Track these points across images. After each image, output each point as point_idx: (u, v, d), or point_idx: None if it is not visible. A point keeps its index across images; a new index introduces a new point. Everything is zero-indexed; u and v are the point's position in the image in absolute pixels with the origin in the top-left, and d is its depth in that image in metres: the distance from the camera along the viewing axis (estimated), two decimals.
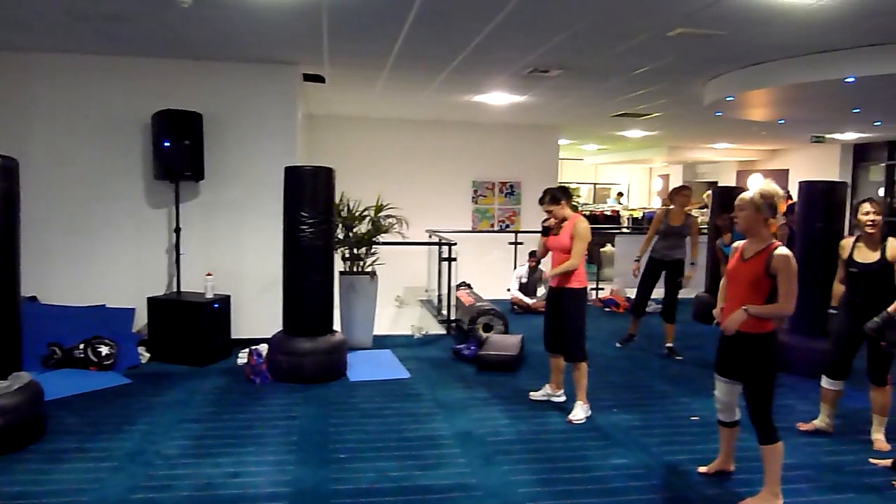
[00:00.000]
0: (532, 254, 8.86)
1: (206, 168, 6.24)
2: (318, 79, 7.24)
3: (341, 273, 6.77)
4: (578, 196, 18.72)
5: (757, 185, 3.50)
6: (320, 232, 5.64)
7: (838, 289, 4.46)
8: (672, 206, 6.67)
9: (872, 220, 4.25)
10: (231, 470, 3.79)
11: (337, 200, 6.56)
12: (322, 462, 3.93)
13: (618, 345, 6.99)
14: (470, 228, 10.93)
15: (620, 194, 20.84)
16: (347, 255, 6.81)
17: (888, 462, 3.98)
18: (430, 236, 8.91)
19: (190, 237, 6.38)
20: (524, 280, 9.11)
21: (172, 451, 4.06)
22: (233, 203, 6.49)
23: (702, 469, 3.89)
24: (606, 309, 9.29)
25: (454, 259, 7.65)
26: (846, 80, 5.57)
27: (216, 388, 5.34)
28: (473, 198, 11.23)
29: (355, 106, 9.47)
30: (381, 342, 6.91)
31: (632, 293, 9.26)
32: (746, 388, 3.50)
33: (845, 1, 4.20)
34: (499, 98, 8.27)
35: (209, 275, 6.12)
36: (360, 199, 6.99)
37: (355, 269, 6.81)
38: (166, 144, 5.95)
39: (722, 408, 3.74)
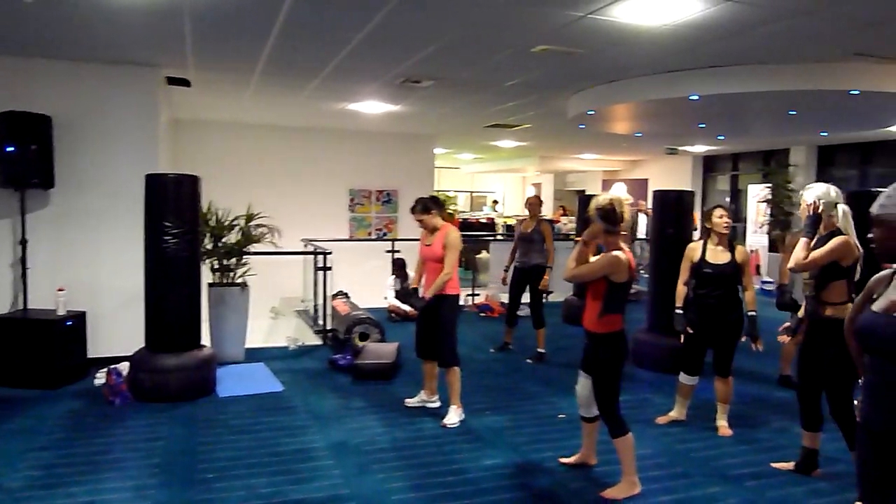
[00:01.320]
0: (399, 264, 9.01)
1: (57, 175, 5.80)
2: (184, 82, 6.94)
3: (210, 285, 6.51)
4: (454, 204, 19.08)
5: (611, 195, 3.74)
6: (185, 242, 5.40)
7: (682, 290, 4.82)
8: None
9: (727, 223, 4.66)
10: (86, 499, 3.53)
11: (205, 209, 6.33)
12: (187, 484, 3.75)
13: (491, 350, 7.18)
14: (347, 237, 10.85)
15: (496, 202, 21.46)
16: (216, 266, 6.55)
17: (790, 465, 4.03)
18: (305, 245, 8.76)
19: (38, 250, 5.90)
20: (396, 288, 9.17)
21: (17, 484, 3.73)
22: (88, 213, 6.07)
23: (563, 460, 4.09)
24: (482, 314, 9.52)
25: (329, 268, 7.57)
26: (690, 97, 6.08)
27: (70, 412, 4.96)
28: (350, 206, 11.17)
29: (225, 111, 9.16)
30: (254, 355, 6.70)
31: (506, 298, 9.60)
32: (593, 384, 3.72)
33: (686, 26, 4.59)
34: (373, 107, 8.29)
35: (61, 290, 5.68)
36: (231, 207, 6.76)
37: (225, 281, 6.57)
38: (9, 149, 5.48)
39: (582, 403, 3.95)
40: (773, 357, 5.88)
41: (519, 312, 7.14)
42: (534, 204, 7.03)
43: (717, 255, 4.65)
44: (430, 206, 4.91)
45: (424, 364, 5.15)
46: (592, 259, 3.71)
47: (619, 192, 16.03)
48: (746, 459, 4.27)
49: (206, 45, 5.42)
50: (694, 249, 4.82)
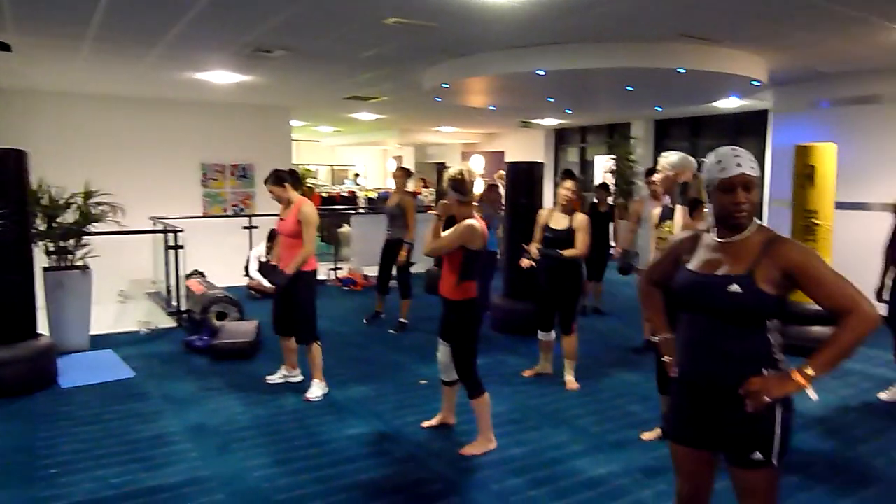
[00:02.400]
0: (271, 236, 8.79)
1: None
2: (3, 47, 6.26)
3: (45, 269, 6.01)
4: (314, 178, 18.69)
5: (454, 170, 3.86)
6: (12, 224, 4.95)
7: (533, 249, 5.13)
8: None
9: (567, 197, 5.01)
10: None
11: (35, 187, 5.81)
12: (26, 482, 3.51)
13: (364, 321, 7.23)
14: (200, 214, 10.36)
15: (357, 175, 21.30)
16: (52, 249, 6.05)
17: (656, 433, 4.10)
18: (154, 224, 8.28)
19: None
20: (264, 259, 8.94)
21: None
22: None
23: (425, 424, 4.25)
24: (345, 288, 9.51)
25: (181, 247, 7.22)
26: (537, 72, 6.36)
27: None
28: (203, 181, 10.65)
29: (55, 79, 8.35)
30: (101, 342, 6.29)
31: (369, 271, 9.64)
32: (452, 349, 3.89)
33: (531, 4, 4.78)
34: (222, 77, 7.92)
35: None
36: (67, 185, 6.24)
37: (63, 264, 6.09)
38: None
39: (442, 368, 4.10)
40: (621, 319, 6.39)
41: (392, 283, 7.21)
42: (397, 176, 7.09)
43: (559, 221, 5.04)
44: (285, 178, 4.80)
45: (283, 340, 5.09)
46: (445, 233, 3.83)
47: (476, 164, 16.49)
48: (590, 409, 4.65)
49: (27, 5, 4.92)
50: (542, 215, 5.16)
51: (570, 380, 5.14)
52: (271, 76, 7.95)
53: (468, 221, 3.76)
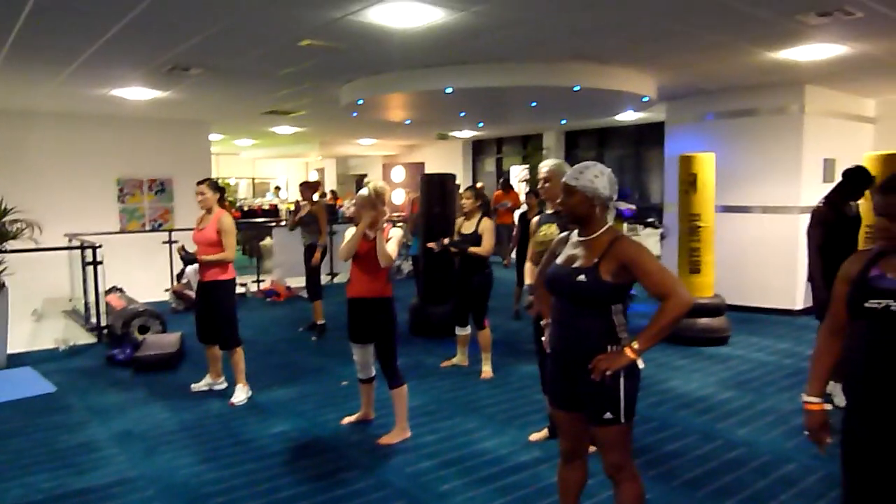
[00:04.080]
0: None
1: None
2: None
3: None
4: (235, 192, 18.61)
5: (372, 184, 4.22)
6: None
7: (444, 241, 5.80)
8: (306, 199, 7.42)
9: (467, 206, 5.60)
10: None
11: None
12: None
13: (300, 329, 7.53)
14: (118, 230, 10.26)
15: (278, 188, 21.26)
16: None
17: (543, 434, 4.24)
18: (69, 241, 8.21)
19: None
20: (182, 277, 9.01)
21: None
22: None
23: (345, 420, 4.56)
24: (268, 299, 9.66)
25: (100, 263, 7.24)
26: (446, 90, 6.79)
27: None
28: (120, 197, 10.55)
29: None
30: (18, 360, 6.27)
31: (291, 282, 9.85)
32: (377, 346, 4.22)
33: (434, 28, 5.19)
34: (140, 93, 7.99)
35: None
36: None
37: None
38: None
39: (360, 367, 4.43)
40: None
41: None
42: (303, 189, 7.51)
43: (467, 227, 5.63)
44: (219, 187, 5.14)
45: (207, 349, 5.29)
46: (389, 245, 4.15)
47: (398, 176, 16.88)
48: (499, 399, 5.07)
49: None
50: (458, 222, 5.77)
51: (486, 370, 5.66)
52: (189, 92, 8.07)
53: (398, 230, 4.14)
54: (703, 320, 6.73)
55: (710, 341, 6.63)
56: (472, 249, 5.53)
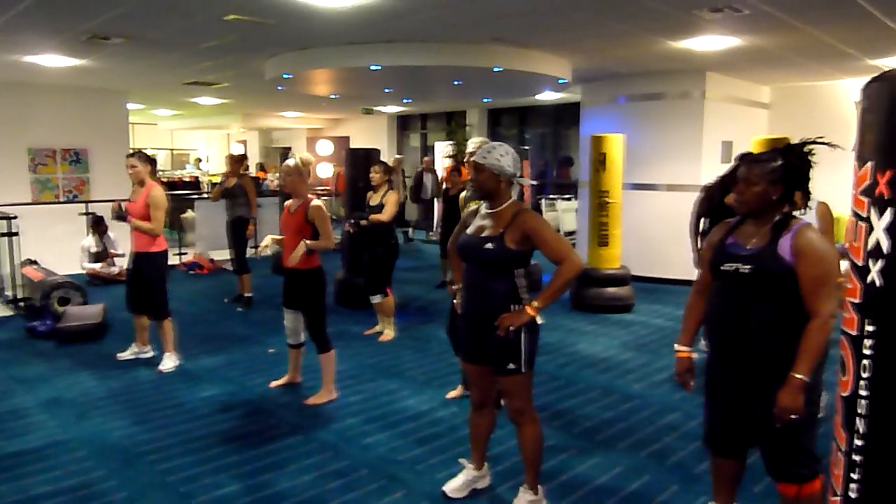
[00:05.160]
0: (97, 221, 8.85)
1: None
2: None
3: None
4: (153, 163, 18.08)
5: (298, 155, 4.42)
6: None
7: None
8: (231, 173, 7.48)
9: (375, 180, 6.05)
10: None
11: None
12: None
13: (225, 300, 7.62)
14: (30, 201, 9.94)
15: (199, 160, 20.79)
16: None
17: (458, 391, 4.60)
18: None
19: None
20: (94, 250, 8.89)
21: None
22: None
23: (273, 383, 4.79)
24: (191, 272, 9.64)
25: (16, 234, 7.10)
26: (372, 67, 6.98)
27: None
28: (31, 167, 10.19)
29: None
30: None
31: (215, 255, 9.85)
32: (305, 313, 4.46)
33: (360, 8, 5.38)
34: (54, 60, 7.76)
35: None
36: None
37: None
38: None
39: (290, 333, 4.65)
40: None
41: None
42: (231, 162, 7.54)
43: (374, 199, 6.05)
44: (149, 159, 5.20)
45: (136, 318, 5.38)
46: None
47: (325, 149, 16.87)
48: (419, 363, 5.42)
49: None
50: (368, 196, 6.16)
51: (387, 332, 6.11)
52: (108, 61, 7.91)
53: (318, 202, 4.34)
54: (610, 290, 7.28)
55: (615, 309, 7.18)
56: (373, 217, 5.85)
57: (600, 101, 9.61)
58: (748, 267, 2.35)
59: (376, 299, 6.08)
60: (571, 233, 11.97)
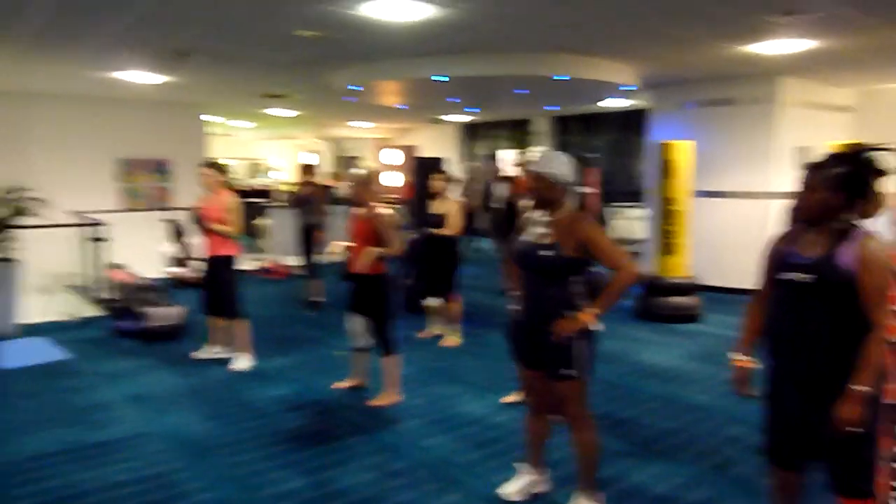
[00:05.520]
0: (176, 229, 9.30)
1: None
2: None
3: None
4: (230, 172, 18.86)
5: (366, 164, 4.59)
6: None
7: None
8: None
9: (437, 188, 6.17)
10: None
11: None
12: None
13: (296, 305, 7.90)
14: (118, 208, 10.57)
15: (273, 169, 21.50)
16: None
17: (513, 397, 4.59)
18: (74, 219, 8.52)
19: None
20: (174, 255, 9.38)
21: None
22: None
23: (340, 385, 4.95)
24: (265, 277, 10.03)
25: (104, 239, 7.58)
26: (435, 78, 7.12)
27: None
28: (120, 177, 10.84)
29: None
30: (32, 331, 6.64)
31: (287, 261, 10.20)
32: (372, 318, 4.59)
33: (425, 23, 5.52)
34: (140, 76, 8.27)
35: None
36: None
37: None
38: None
39: (355, 337, 4.80)
40: None
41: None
42: (302, 170, 7.84)
43: (436, 207, 6.16)
44: (220, 167, 5.51)
45: (212, 320, 5.67)
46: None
47: (394, 158, 17.19)
48: (481, 368, 5.48)
49: None
50: (430, 204, 6.31)
51: (452, 339, 6.23)
52: (188, 77, 8.36)
53: (385, 211, 4.49)
54: (676, 299, 7.15)
55: (682, 319, 7.05)
56: (439, 231, 6.04)
57: (668, 108, 9.45)
58: (807, 276, 2.32)
59: (432, 302, 6.24)
60: (640, 241, 11.79)
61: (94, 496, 3.34)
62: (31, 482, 3.49)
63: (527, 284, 2.98)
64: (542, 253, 2.84)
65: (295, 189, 7.89)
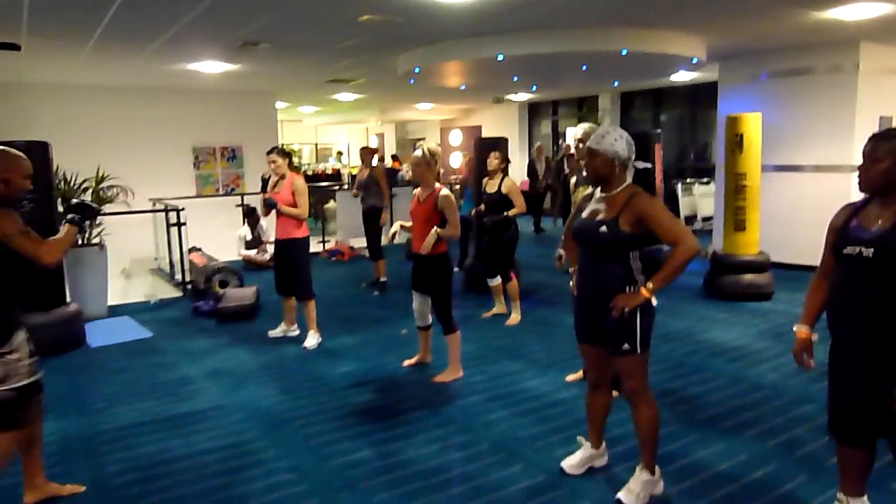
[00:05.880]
0: (249, 212, 9.64)
1: None
2: (12, 46, 6.91)
3: None
4: (299, 157, 19.38)
5: (425, 145, 4.66)
6: (40, 207, 5.67)
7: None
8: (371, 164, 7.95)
9: (492, 166, 6.25)
10: None
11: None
12: (81, 413, 4.33)
13: (364, 286, 8.11)
14: (194, 194, 11.07)
15: (340, 153, 21.93)
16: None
17: (579, 375, 4.63)
18: (154, 205, 9.00)
19: None
20: (248, 238, 9.75)
21: None
22: None
23: (405, 362, 5.10)
24: (333, 258, 10.32)
25: (183, 223, 7.97)
26: (497, 57, 7.12)
27: None
28: (195, 164, 11.34)
29: (57, 74, 8.99)
30: (117, 311, 7.08)
31: (354, 243, 10.45)
32: (432, 297, 4.71)
33: (484, 1, 5.54)
34: (212, 66, 8.60)
35: None
36: (78, 170, 6.97)
37: (81, 242, 6.83)
38: None
39: (418, 316, 4.93)
40: None
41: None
42: (363, 154, 8.02)
43: (491, 186, 6.24)
44: (286, 154, 5.70)
45: (284, 300, 5.91)
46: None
47: (454, 139, 17.22)
48: (543, 345, 5.53)
49: (43, 15, 5.61)
50: (483, 182, 6.43)
51: (513, 317, 6.29)
52: (257, 65, 8.64)
53: (446, 192, 4.56)
54: (747, 276, 6.97)
55: (752, 297, 6.88)
56: (510, 212, 6.08)
57: (739, 80, 9.13)
58: (871, 250, 2.26)
59: (495, 282, 6.32)
60: (709, 218, 11.48)
61: (183, 462, 3.59)
62: (128, 448, 3.78)
63: (585, 260, 3.00)
64: (601, 229, 2.85)
65: (357, 173, 8.06)
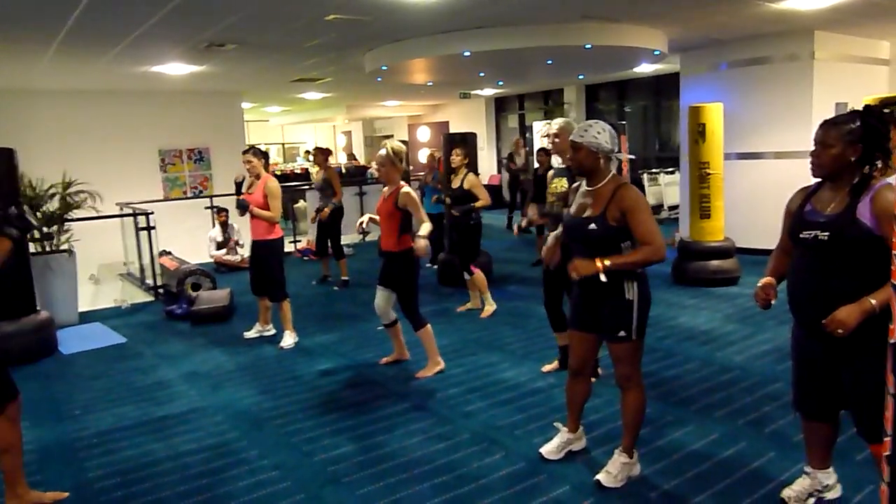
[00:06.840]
0: (223, 212, 9.59)
1: None
2: None
3: (32, 254, 6.64)
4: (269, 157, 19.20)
5: (389, 144, 4.68)
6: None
7: None
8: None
9: (456, 162, 6.48)
10: None
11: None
12: (57, 421, 4.29)
13: (313, 283, 8.17)
14: (161, 197, 10.94)
15: (308, 152, 21.78)
16: (38, 236, 6.68)
17: (555, 364, 4.75)
18: (121, 209, 8.89)
19: None
20: (220, 239, 9.68)
21: None
22: None
23: (382, 360, 5.13)
24: (305, 258, 10.29)
25: (153, 227, 7.90)
26: (464, 53, 7.19)
27: None
28: (161, 167, 11.21)
29: (17, 79, 8.81)
30: (88, 317, 7.00)
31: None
32: (397, 292, 4.73)
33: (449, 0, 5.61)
34: (177, 68, 8.52)
35: None
36: (44, 176, 6.86)
37: (48, 249, 6.74)
38: None
39: (381, 313, 4.84)
40: None
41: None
42: (316, 155, 8.17)
43: (455, 182, 6.48)
44: (262, 153, 5.66)
45: (259, 300, 5.91)
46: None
47: (422, 135, 17.27)
48: (520, 337, 5.62)
49: (3, 19, 5.51)
50: (451, 178, 6.58)
51: (486, 308, 6.42)
52: (223, 65, 8.58)
53: (408, 189, 4.60)
54: (713, 262, 7.15)
55: (719, 282, 7.07)
56: (476, 205, 6.32)
57: (700, 70, 9.34)
58: (826, 234, 2.37)
59: (468, 276, 6.45)
60: (675, 207, 11.71)
61: (165, 464, 3.59)
62: (109, 453, 3.76)
63: (578, 254, 3.01)
64: (590, 227, 2.91)
65: (314, 174, 8.10)
